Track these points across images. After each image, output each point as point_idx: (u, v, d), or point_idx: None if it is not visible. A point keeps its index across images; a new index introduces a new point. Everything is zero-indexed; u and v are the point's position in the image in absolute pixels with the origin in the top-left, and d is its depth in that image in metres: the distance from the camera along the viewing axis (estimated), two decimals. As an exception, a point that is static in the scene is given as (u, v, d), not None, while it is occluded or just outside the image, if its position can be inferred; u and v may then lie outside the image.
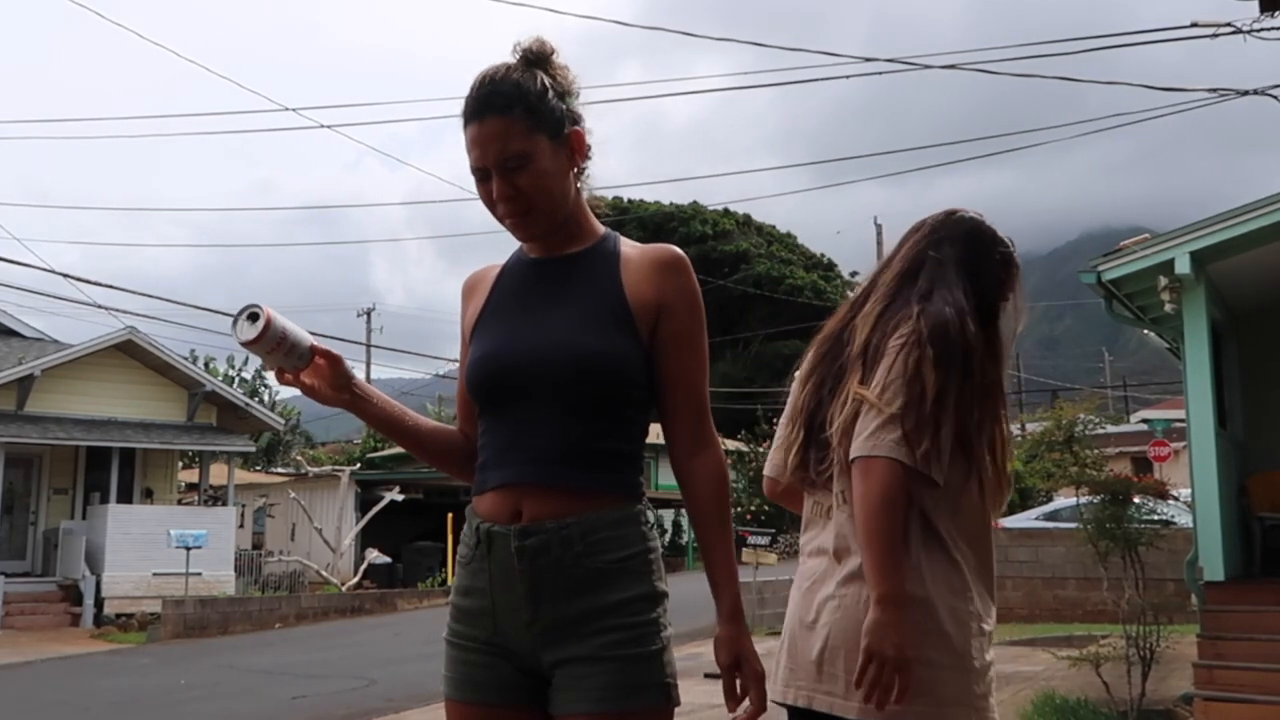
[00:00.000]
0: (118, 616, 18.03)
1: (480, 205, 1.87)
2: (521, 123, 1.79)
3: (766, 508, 27.09)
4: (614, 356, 1.81)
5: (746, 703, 1.82)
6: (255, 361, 39.93)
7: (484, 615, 1.84)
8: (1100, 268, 8.16)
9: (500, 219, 1.86)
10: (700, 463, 1.89)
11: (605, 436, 1.83)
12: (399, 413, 1.94)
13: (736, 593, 1.86)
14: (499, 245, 2.03)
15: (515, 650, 1.82)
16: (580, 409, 1.81)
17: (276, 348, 1.79)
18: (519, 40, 1.88)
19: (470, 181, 1.87)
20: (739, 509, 27.28)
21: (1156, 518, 7.66)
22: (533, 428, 1.82)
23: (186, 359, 23.56)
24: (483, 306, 1.94)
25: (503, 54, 1.89)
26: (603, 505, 1.81)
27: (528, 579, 1.79)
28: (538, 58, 1.86)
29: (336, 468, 23.80)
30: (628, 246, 1.93)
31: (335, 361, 1.84)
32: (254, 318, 1.78)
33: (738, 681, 1.82)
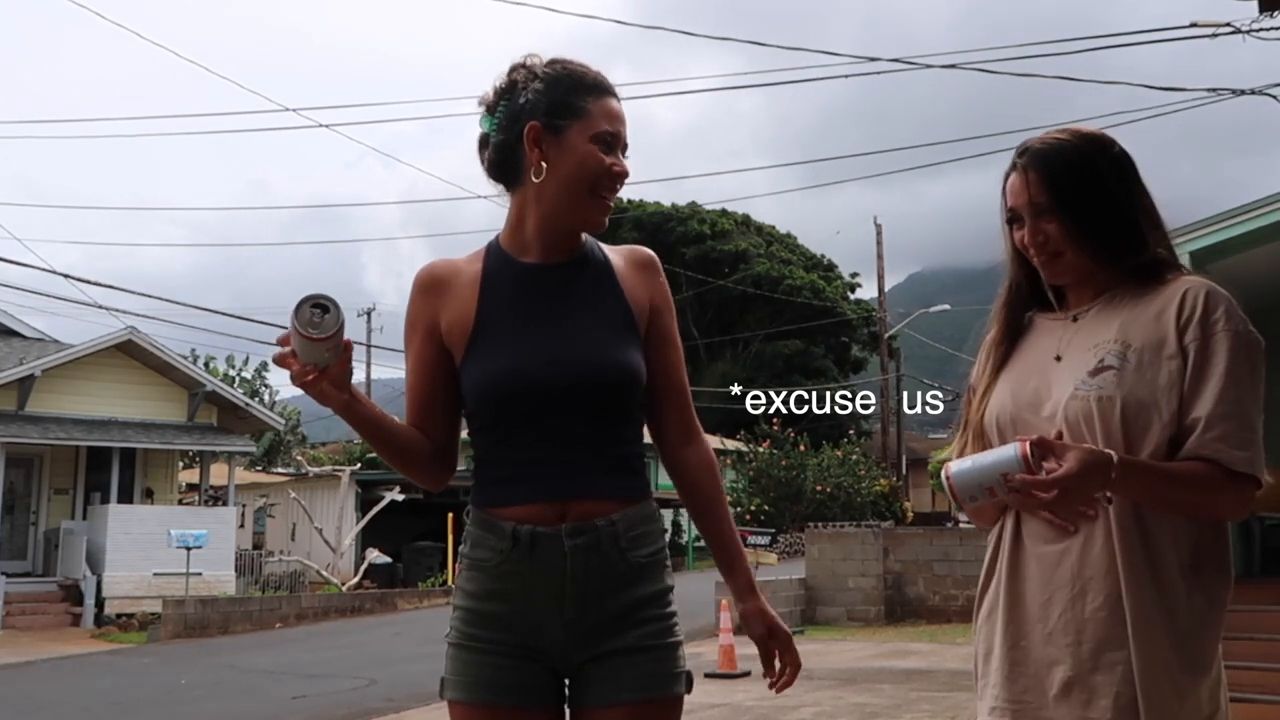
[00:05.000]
0: (118, 616, 18.05)
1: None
2: None
3: (766, 507, 27.07)
4: (638, 366, 1.88)
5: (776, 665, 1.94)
6: (256, 362, 39.98)
7: (513, 618, 1.83)
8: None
9: (607, 191, 1.89)
10: (693, 452, 1.97)
11: (631, 441, 1.90)
12: (380, 414, 1.89)
13: (748, 567, 1.98)
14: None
15: (544, 650, 1.83)
16: (611, 418, 1.86)
17: (332, 348, 1.65)
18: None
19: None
20: (739, 509, 27.26)
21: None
22: (566, 439, 1.83)
23: (187, 359, 23.58)
24: (476, 313, 1.88)
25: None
26: (634, 502, 1.87)
27: (579, 577, 1.81)
28: None
29: (337, 468, 23.77)
30: (608, 251, 1.97)
31: (345, 359, 1.74)
32: (323, 309, 1.62)
33: (774, 648, 1.92)
